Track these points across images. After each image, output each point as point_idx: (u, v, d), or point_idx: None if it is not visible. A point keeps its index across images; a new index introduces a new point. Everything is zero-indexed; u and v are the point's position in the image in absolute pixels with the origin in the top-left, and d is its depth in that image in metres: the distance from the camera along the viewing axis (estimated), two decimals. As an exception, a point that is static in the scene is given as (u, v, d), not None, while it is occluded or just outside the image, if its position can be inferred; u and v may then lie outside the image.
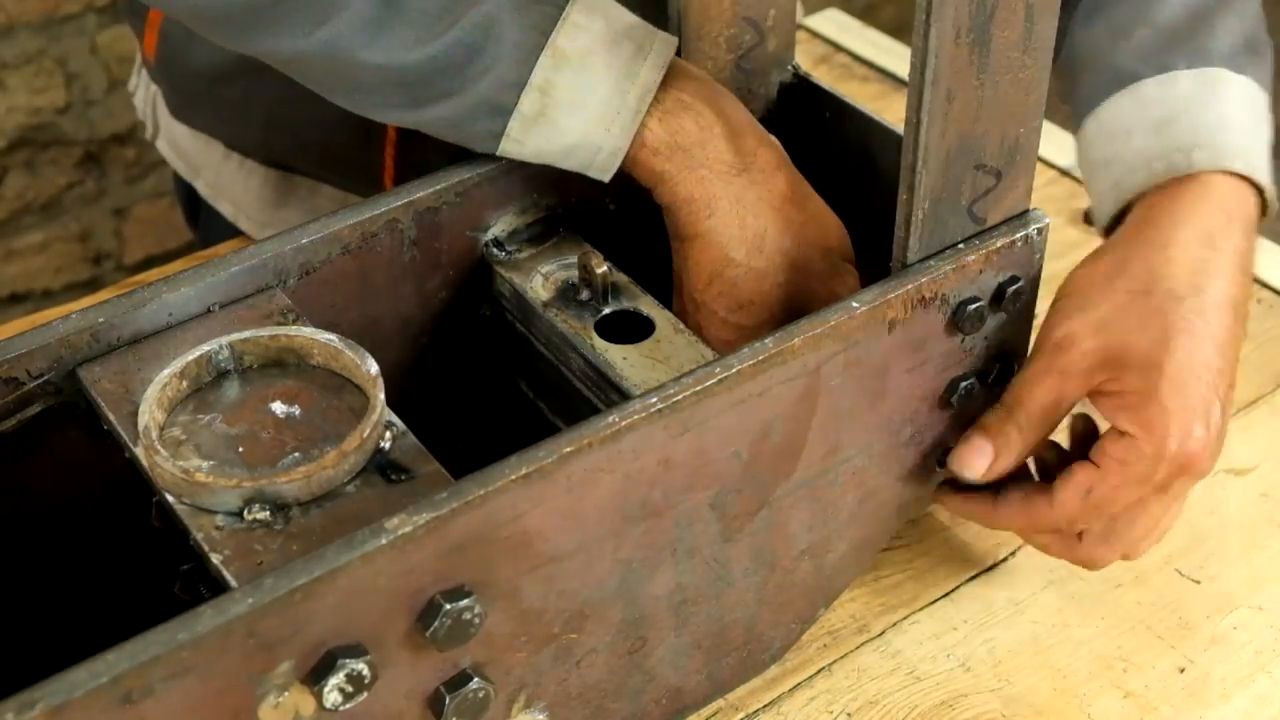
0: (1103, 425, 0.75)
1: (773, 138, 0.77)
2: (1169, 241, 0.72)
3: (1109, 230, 0.78)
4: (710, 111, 0.74)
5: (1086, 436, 0.76)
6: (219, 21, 0.72)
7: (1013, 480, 0.76)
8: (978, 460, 0.74)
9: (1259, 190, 0.76)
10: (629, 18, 0.73)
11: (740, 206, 0.73)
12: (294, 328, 0.67)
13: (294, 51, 0.71)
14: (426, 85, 0.71)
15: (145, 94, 1.10)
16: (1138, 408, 0.71)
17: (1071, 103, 0.80)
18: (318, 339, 0.66)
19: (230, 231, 1.06)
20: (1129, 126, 0.76)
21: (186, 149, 1.06)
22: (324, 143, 0.95)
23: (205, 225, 1.12)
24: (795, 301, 0.75)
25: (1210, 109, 0.75)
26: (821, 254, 0.75)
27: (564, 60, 0.71)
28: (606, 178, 0.74)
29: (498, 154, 0.73)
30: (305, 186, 1.01)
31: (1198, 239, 0.72)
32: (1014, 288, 0.72)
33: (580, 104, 0.71)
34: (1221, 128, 0.74)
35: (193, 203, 1.14)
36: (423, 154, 0.74)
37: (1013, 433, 0.73)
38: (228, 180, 1.04)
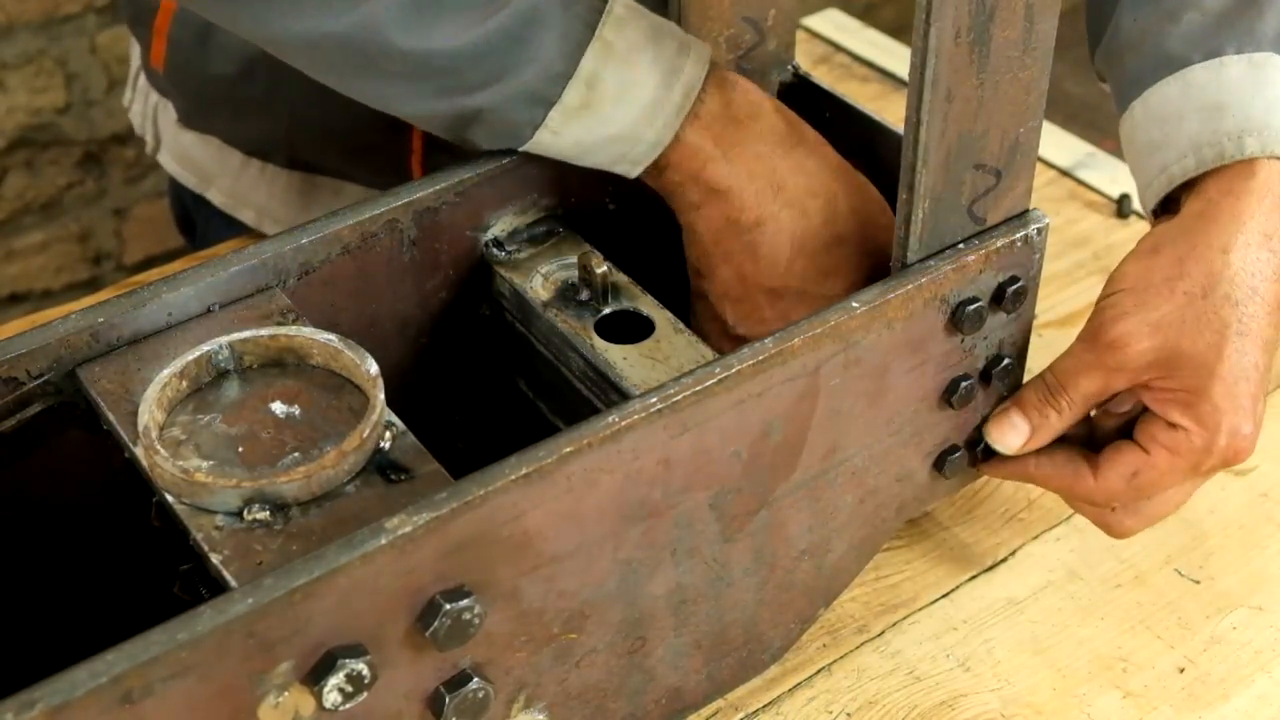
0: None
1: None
2: (1229, 245, 0.73)
3: (1156, 213, 0.79)
4: (755, 89, 0.75)
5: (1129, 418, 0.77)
6: (243, 1, 0.69)
7: (1057, 441, 0.78)
8: (1013, 437, 0.75)
9: None
10: (660, 18, 0.74)
11: (807, 176, 0.74)
12: (294, 328, 0.67)
13: (320, 34, 0.69)
14: (463, 74, 0.70)
15: (144, 106, 1.08)
16: (1190, 404, 0.72)
17: (1115, 85, 0.81)
18: (318, 339, 0.66)
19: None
20: (1178, 111, 0.76)
21: (198, 159, 1.04)
22: (351, 133, 0.94)
23: (204, 237, 1.11)
24: (872, 260, 0.76)
25: (1260, 94, 0.75)
26: (882, 210, 0.77)
27: (611, 53, 0.71)
28: (635, 172, 0.74)
29: (525, 147, 0.73)
30: (329, 187, 1.00)
31: (1257, 241, 0.73)
32: (1014, 288, 0.72)
33: (627, 97, 0.71)
34: (1271, 113, 0.75)
35: (188, 216, 1.13)
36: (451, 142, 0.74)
37: (1052, 415, 0.75)
38: (248, 188, 1.02)
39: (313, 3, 0.68)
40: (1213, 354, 0.72)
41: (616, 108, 0.71)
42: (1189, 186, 0.76)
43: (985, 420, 0.77)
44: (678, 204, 0.76)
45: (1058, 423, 0.75)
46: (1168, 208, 0.77)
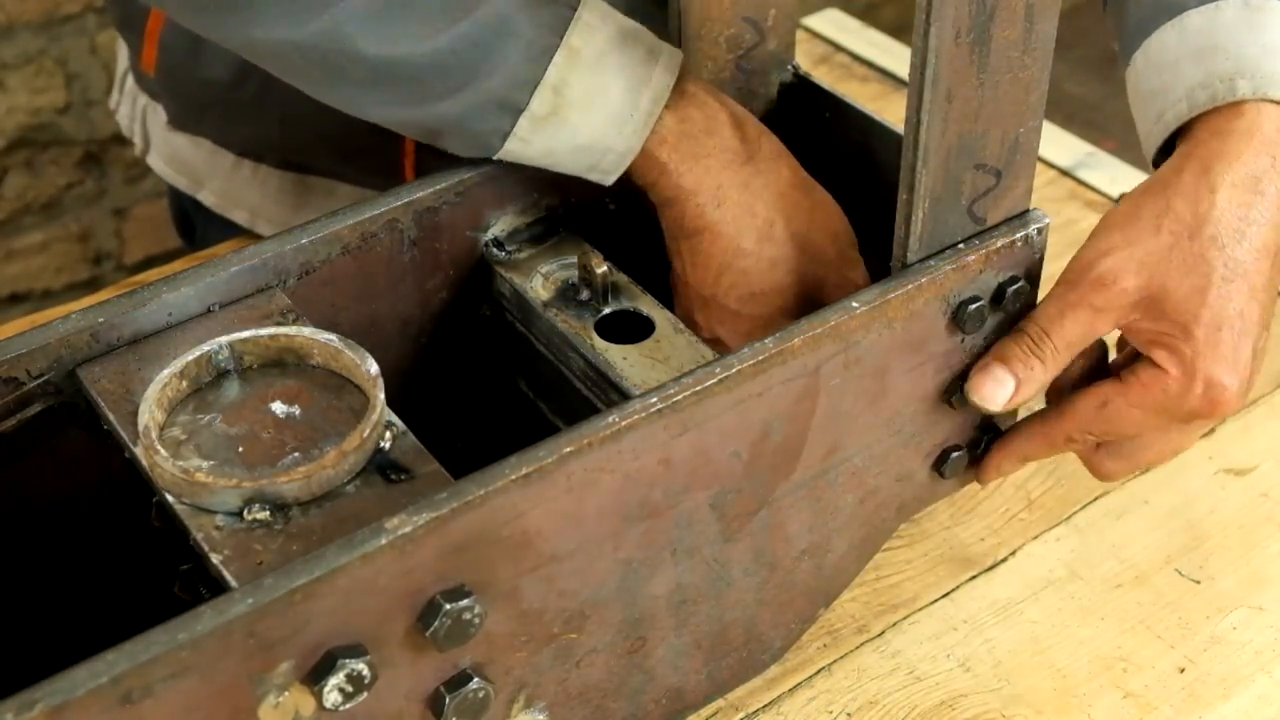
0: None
1: (770, 131, 0.77)
2: (1216, 185, 0.72)
3: (1156, 162, 0.78)
4: (714, 102, 0.75)
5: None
6: (208, 8, 0.69)
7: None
8: (998, 391, 0.73)
9: None
10: (634, 24, 0.73)
11: (749, 194, 0.73)
12: (294, 328, 0.67)
13: (284, 42, 0.68)
14: (430, 81, 0.70)
15: (132, 109, 1.07)
16: (1172, 348, 0.71)
17: (1121, 39, 0.80)
18: (318, 339, 0.66)
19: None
20: (1175, 57, 0.75)
21: (189, 160, 1.04)
22: (344, 134, 0.92)
23: (203, 239, 1.11)
24: (807, 289, 0.75)
25: (1255, 37, 0.74)
26: (830, 240, 0.76)
27: (578, 60, 0.70)
28: (609, 181, 0.73)
29: (498, 155, 0.73)
30: (322, 187, 1.00)
31: (1244, 183, 0.72)
32: (1014, 288, 0.72)
33: (594, 104, 0.71)
34: (1266, 56, 0.74)
35: (187, 218, 1.12)
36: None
37: (1036, 365, 0.73)
38: (240, 188, 1.02)
39: (277, 11, 0.67)
40: (1196, 297, 0.70)
41: (584, 116, 0.71)
42: (1184, 132, 0.75)
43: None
44: (650, 202, 0.76)
45: (1042, 373, 0.73)
46: (1168, 158, 0.76)
